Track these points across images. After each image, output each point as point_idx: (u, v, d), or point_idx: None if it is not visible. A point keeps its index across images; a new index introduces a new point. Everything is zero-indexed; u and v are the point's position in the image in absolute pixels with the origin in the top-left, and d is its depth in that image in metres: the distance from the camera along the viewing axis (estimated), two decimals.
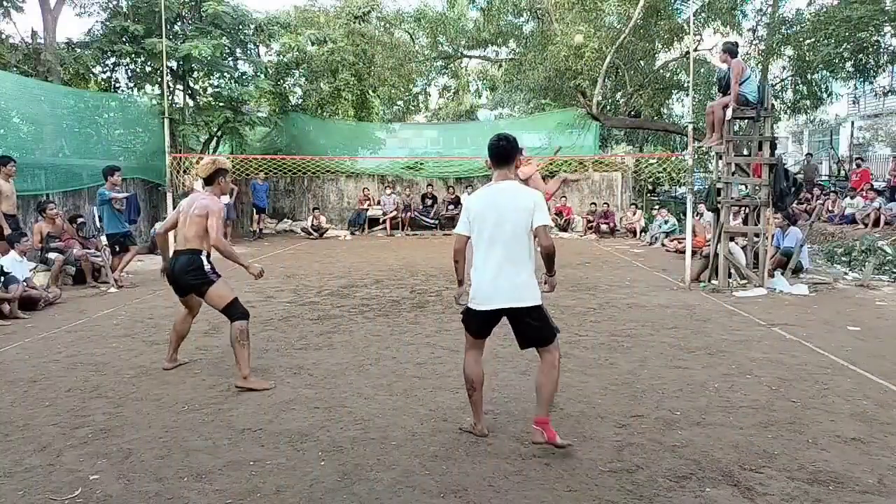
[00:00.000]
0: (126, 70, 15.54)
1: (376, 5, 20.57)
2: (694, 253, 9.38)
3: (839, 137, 26.73)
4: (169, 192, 11.10)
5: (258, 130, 18.00)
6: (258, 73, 16.69)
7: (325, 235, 16.83)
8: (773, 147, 8.81)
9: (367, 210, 17.87)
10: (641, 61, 19.74)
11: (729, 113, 8.38)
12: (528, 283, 3.47)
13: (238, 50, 16.58)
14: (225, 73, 15.86)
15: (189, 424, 3.95)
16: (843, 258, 10.64)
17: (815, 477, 3.19)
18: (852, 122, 24.23)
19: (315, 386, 4.67)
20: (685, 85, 19.47)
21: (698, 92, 17.61)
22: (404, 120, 26.36)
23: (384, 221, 17.68)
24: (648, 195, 20.28)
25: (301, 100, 18.97)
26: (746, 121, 8.96)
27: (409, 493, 3.08)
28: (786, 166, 9.30)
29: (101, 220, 9.25)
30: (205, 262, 4.70)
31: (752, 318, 6.80)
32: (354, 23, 19.48)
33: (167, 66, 12.50)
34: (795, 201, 11.36)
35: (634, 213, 16.62)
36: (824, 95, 19.46)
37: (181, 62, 14.46)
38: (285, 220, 18.68)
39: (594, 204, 17.52)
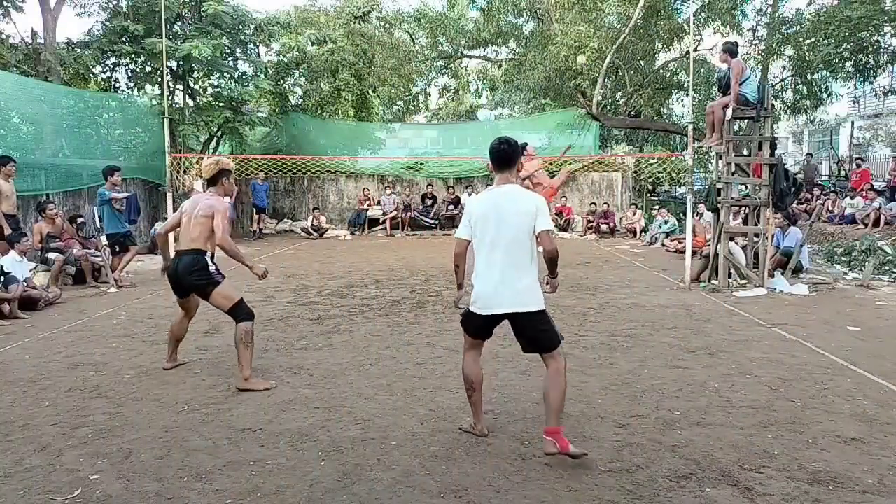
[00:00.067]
0: (126, 70, 15.54)
1: (376, 5, 20.57)
2: (694, 253, 9.38)
3: (839, 137, 26.74)
4: (169, 192, 11.10)
5: (258, 130, 18.00)
6: (258, 73, 16.70)
7: (325, 235, 16.83)
8: (773, 147, 8.81)
9: (367, 210, 17.87)
10: (641, 61, 19.74)
11: (729, 113, 8.38)
12: (530, 287, 3.43)
13: (238, 50, 16.59)
14: (225, 73, 15.86)
15: (189, 424, 3.95)
16: (843, 258, 10.64)
17: (815, 477, 3.19)
18: (852, 122, 24.23)
19: (315, 386, 4.67)
20: (685, 85, 19.48)
21: (698, 92, 17.62)
22: (404, 120, 26.36)
23: (384, 221, 17.68)
24: (648, 195, 20.28)
25: (301, 100, 18.97)
26: (746, 121, 8.95)
27: (409, 493, 3.08)
28: (786, 166, 9.30)
29: (101, 220, 9.25)
30: (209, 262, 4.65)
31: (752, 318, 6.80)
32: (354, 23, 19.49)
33: (167, 66, 12.50)
34: (795, 201, 11.37)
35: (634, 213, 16.62)
36: (824, 95, 19.47)
37: (181, 62, 14.46)
38: (285, 220, 18.68)
39: (594, 204, 17.53)
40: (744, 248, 9.16)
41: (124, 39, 14.25)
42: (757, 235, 8.71)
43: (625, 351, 5.54)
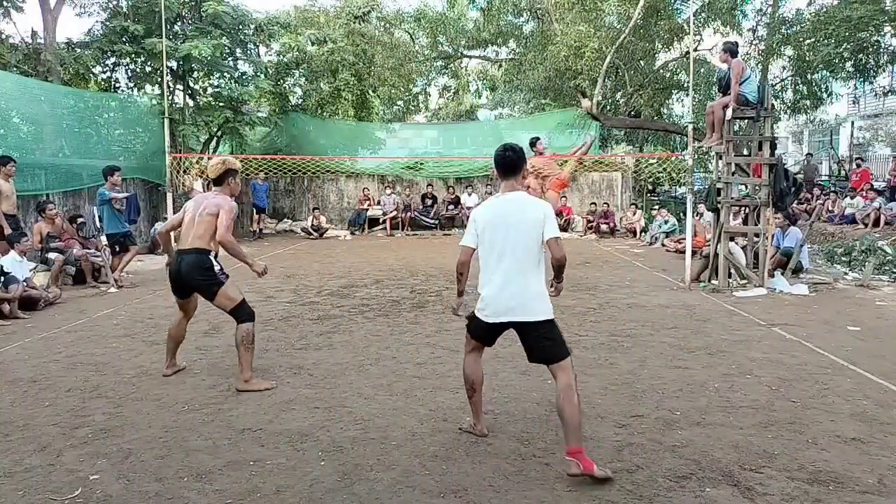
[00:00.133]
0: (126, 70, 15.54)
1: (376, 5, 20.57)
2: (694, 253, 9.38)
3: (839, 137, 26.74)
4: (169, 192, 11.10)
5: (258, 130, 18.00)
6: (258, 73, 16.70)
7: (325, 235, 16.84)
8: (773, 147, 8.81)
9: (367, 210, 17.87)
10: (641, 61, 19.75)
11: (729, 113, 8.38)
12: (538, 295, 3.38)
13: (238, 50, 16.59)
14: (225, 73, 15.86)
15: (189, 424, 3.95)
16: (843, 258, 10.64)
17: (815, 477, 3.19)
18: (852, 122, 24.24)
19: (315, 386, 4.67)
20: (685, 85, 19.48)
21: (698, 92, 17.62)
22: (404, 120, 26.37)
23: (384, 221, 17.68)
24: (648, 195, 20.28)
25: (301, 100, 18.97)
26: (746, 121, 8.95)
27: (409, 493, 3.08)
28: (786, 166, 9.30)
29: (101, 220, 9.25)
30: (214, 262, 4.59)
31: (752, 318, 6.80)
32: (354, 23, 19.49)
33: (167, 66, 12.50)
34: (795, 201, 11.36)
35: (634, 213, 16.63)
36: (824, 95, 19.48)
37: (181, 62, 14.46)
38: (285, 220, 18.68)
39: (594, 204, 17.53)
40: (744, 248, 9.16)
41: (124, 39, 14.25)
42: (757, 235, 8.71)
43: (625, 351, 5.54)
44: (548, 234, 3.39)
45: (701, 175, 17.22)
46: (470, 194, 18.14)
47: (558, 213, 17.09)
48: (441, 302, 7.78)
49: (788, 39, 17.39)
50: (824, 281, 8.95)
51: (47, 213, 9.44)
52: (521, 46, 21.51)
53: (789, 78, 19.71)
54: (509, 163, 3.53)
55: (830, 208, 14.35)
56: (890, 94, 19.33)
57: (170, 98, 13.49)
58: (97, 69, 15.04)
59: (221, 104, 15.20)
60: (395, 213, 17.62)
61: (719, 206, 8.70)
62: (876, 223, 12.44)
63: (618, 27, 18.30)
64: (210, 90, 16.20)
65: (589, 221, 17.01)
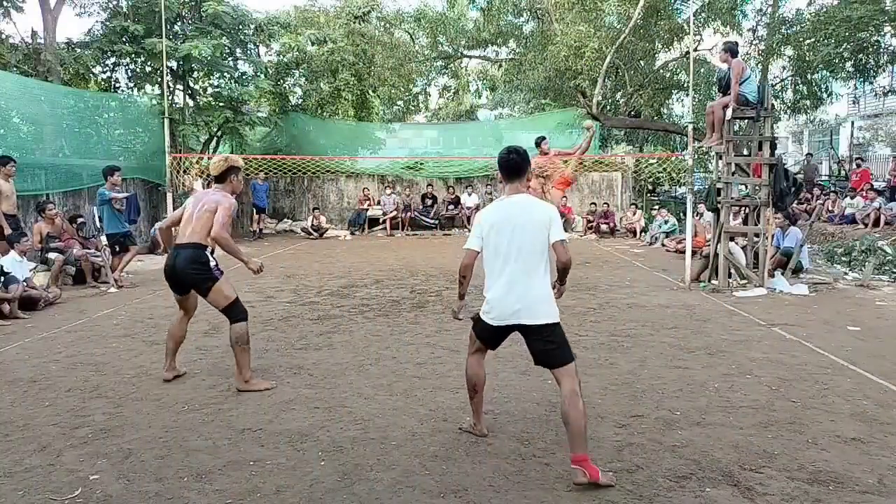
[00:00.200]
0: (126, 70, 15.55)
1: (376, 5, 20.58)
2: (694, 253, 9.38)
3: (839, 137, 26.74)
4: (169, 192, 11.11)
5: (258, 130, 18.01)
6: (258, 73, 16.70)
7: (325, 235, 16.84)
8: (773, 147, 8.80)
9: (367, 210, 17.87)
10: (641, 61, 19.75)
11: (729, 113, 8.38)
12: (544, 298, 3.35)
13: (238, 50, 16.59)
14: (225, 73, 15.86)
15: (189, 424, 3.95)
16: (843, 258, 10.64)
17: (815, 477, 3.19)
18: (852, 122, 24.24)
19: (315, 386, 4.67)
20: (685, 85, 19.49)
21: (698, 92, 17.62)
22: (404, 120, 26.37)
23: (384, 221, 17.68)
24: (648, 195, 20.28)
25: (301, 100, 18.97)
26: (746, 121, 8.95)
27: (409, 493, 3.08)
28: (786, 166, 9.30)
29: (101, 220, 9.25)
30: (210, 257, 4.53)
31: (752, 318, 6.80)
32: (354, 23, 19.49)
33: (167, 66, 12.50)
34: (795, 201, 11.36)
35: (634, 213, 16.62)
36: (824, 95, 19.48)
37: (181, 62, 14.46)
38: (285, 220, 18.68)
39: (594, 204, 17.52)
40: (744, 248, 9.15)
41: (124, 39, 14.25)
42: (757, 235, 8.71)
43: (625, 351, 5.54)
44: (554, 237, 3.36)
45: (701, 175, 17.22)
46: (470, 194, 18.14)
47: (560, 214, 17.13)
48: (441, 302, 7.78)
49: (788, 39, 17.39)
50: (824, 281, 8.95)
51: (47, 214, 9.44)
52: (521, 46, 21.51)
53: (789, 78, 19.71)
54: (513, 165, 3.49)
55: (830, 208, 14.35)
56: (890, 94, 19.33)
57: (170, 98, 13.49)
58: (97, 69, 15.04)
59: (221, 104, 15.20)
60: (395, 213, 17.62)
61: (719, 206, 8.69)
62: (876, 223, 12.44)
63: (618, 27, 18.30)
64: (210, 90, 16.20)
65: (589, 221, 17.01)
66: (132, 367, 5.17)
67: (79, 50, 14.34)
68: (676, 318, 6.84)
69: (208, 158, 11.41)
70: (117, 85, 15.63)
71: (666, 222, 14.73)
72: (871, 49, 15.75)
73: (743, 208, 9.39)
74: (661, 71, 20.51)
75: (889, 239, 10.84)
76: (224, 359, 5.33)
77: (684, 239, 9.79)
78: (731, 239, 8.81)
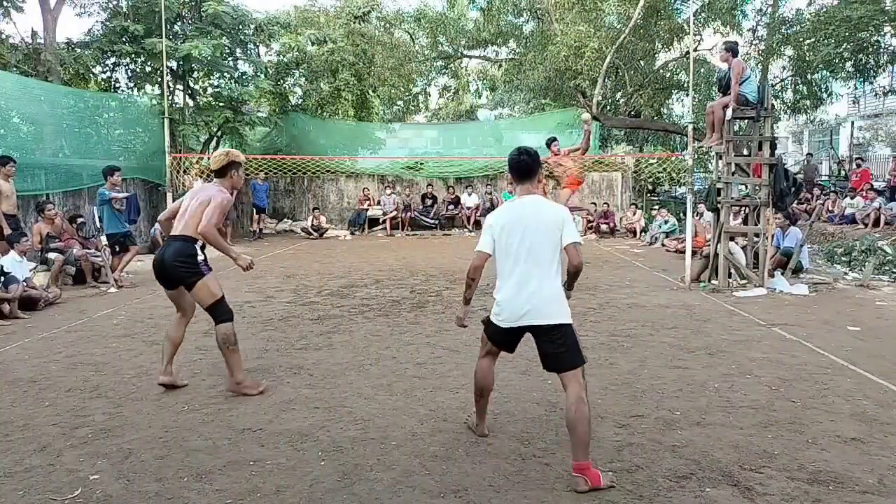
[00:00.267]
0: (126, 70, 15.55)
1: (376, 5, 20.57)
2: (694, 253, 9.38)
3: (839, 137, 26.74)
4: (169, 192, 11.09)
5: (258, 130, 18.00)
6: (258, 73, 16.70)
7: (325, 235, 16.84)
8: (773, 147, 8.80)
9: (367, 210, 17.87)
10: (641, 61, 19.75)
11: (729, 113, 8.38)
12: (555, 298, 3.30)
13: (238, 50, 16.60)
14: (225, 73, 15.87)
15: (189, 424, 3.95)
16: (843, 258, 10.64)
17: (815, 477, 3.19)
18: (852, 122, 24.24)
19: (315, 386, 4.67)
20: (685, 85, 19.48)
21: (698, 92, 17.62)
22: (404, 120, 26.36)
23: (384, 221, 17.68)
24: (648, 195, 20.29)
25: (301, 100, 18.97)
26: (746, 121, 8.95)
27: (409, 493, 3.08)
28: (786, 166, 9.30)
29: (101, 220, 9.25)
30: (198, 251, 4.39)
31: (752, 318, 6.80)
32: (354, 23, 19.49)
33: (167, 66, 12.50)
34: (795, 201, 11.36)
35: (634, 213, 16.63)
36: (824, 95, 19.49)
37: (181, 62, 14.47)
38: (285, 220, 18.68)
39: (594, 204, 17.52)
40: (744, 248, 9.15)
41: (124, 39, 14.26)
42: (757, 235, 8.71)
43: (625, 351, 5.54)
44: (567, 240, 3.32)
45: (701, 175, 17.22)
46: (470, 194, 18.14)
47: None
48: (441, 302, 7.78)
49: (788, 39, 17.39)
50: (824, 281, 8.95)
51: (46, 214, 9.44)
52: (521, 46, 21.50)
53: (789, 78, 19.71)
54: (524, 167, 3.46)
55: (830, 208, 14.35)
56: (890, 94, 19.33)
57: (170, 98, 13.50)
58: (97, 69, 15.05)
59: (221, 104, 15.20)
60: (395, 213, 17.62)
61: (719, 206, 8.69)
62: (876, 223, 12.44)
63: (618, 27, 18.30)
64: (210, 90, 16.20)
65: (589, 221, 17.00)
66: (132, 367, 5.17)
67: (79, 50, 14.34)
68: (676, 318, 6.84)
69: (208, 158, 11.41)
70: (117, 85, 15.63)
71: (666, 222, 14.73)
72: (871, 49, 15.76)
73: (743, 208, 9.38)
74: (661, 71, 20.51)
75: (889, 239, 10.84)
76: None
77: (684, 239, 9.79)
78: (731, 239, 8.81)
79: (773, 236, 9.05)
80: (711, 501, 2.97)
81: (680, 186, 20.50)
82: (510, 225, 3.37)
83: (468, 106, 31.22)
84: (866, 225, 12.59)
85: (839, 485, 3.11)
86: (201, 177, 13.92)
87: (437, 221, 17.83)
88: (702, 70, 18.12)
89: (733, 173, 8.68)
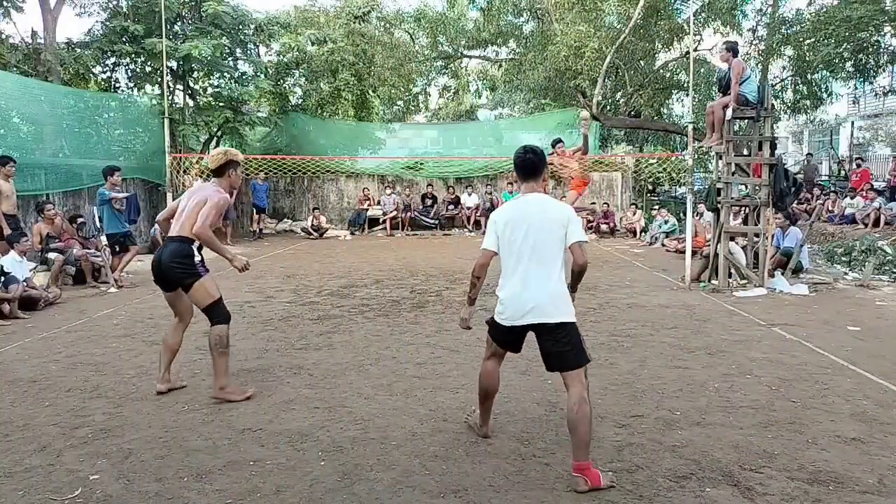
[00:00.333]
0: (126, 70, 15.55)
1: (376, 5, 20.57)
2: (694, 253, 9.38)
3: (839, 137, 26.74)
4: (169, 192, 11.10)
5: (258, 130, 18.00)
6: (258, 73, 16.70)
7: (325, 235, 16.84)
8: (773, 147, 8.80)
9: (367, 210, 17.87)
10: (641, 61, 19.75)
11: (729, 113, 8.38)
12: (559, 296, 3.28)
13: (238, 50, 16.60)
14: (225, 73, 15.87)
15: (189, 424, 3.95)
16: (843, 258, 10.64)
17: (815, 477, 3.19)
18: (852, 122, 24.23)
19: (315, 386, 4.67)
20: (685, 85, 19.49)
21: (698, 92, 17.62)
22: (404, 120, 26.36)
23: (384, 221, 17.68)
24: (648, 195, 20.29)
25: (301, 100, 18.97)
26: (746, 121, 8.95)
27: (409, 493, 3.08)
28: (786, 166, 9.30)
29: (101, 220, 9.25)
30: (195, 252, 4.33)
31: (752, 318, 6.80)
32: (354, 23, 19.49)
33: (167, 66, 12.50)
34: (795, 201, 11.36)
35: (634, 213, 16.63)
36: (824, 95, 19.50)
37: (181, 62, 14.47)
38: (285, 220, 18.68)
39: (594, 204, 17.51)
40: (744, 248, 9.16)
41: (124, 39, 14.26)
42: (757, 235, 8.71)
43: (625, 351, 5.54)
44: (572, 238, 3.29)
45: (701, 175, 17.23)
46: (470, 194, 18.13)
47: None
48: (441, 302, 7.78)
49: (788, 39, 17.39)
50: (824, 281, 8.95)
51: (46, 214, 9.44)
52: (521, 46, 21.51)
53: (789, 78, 19.72)
54: (529, 165, 3.44)
55: (830, 208, 14.35)
56: (890, 94, 19.34)
57: (170, 98, 13.50)
58: (97, 69, 15.05)
59: (221, 104, 15.20)
60: (395, 213, 17.62)
61: (719, 206, 8.69)
62: (876, 223, 12.44)
63: (618, 27, 18.30)
64: (210, 90, 16.21)
65: (589, 221, 16.99)
66: (132, 367, 5.17)
67: (79, 50, 14.34)
68: (676, 318, 6.84)
69: (207, 158, 11.43)
70: (117, 85, 15.63)
71: (666, 222, 14.73)
72: (871, 49, 15.76)
73: (743, 208, 9.39)
74: (661, 71, 20.51)
75: (889, 239, 10.84)
76: None
77: (684, 239, 9.79)
78: (732, 239, 8.81)
79: (773, 236, 9.05)
80: (711, 501, 2.97)
81: (680, 186, 20.50)
82: (514, 222, 3.35)
83: (468, 106, 31.21)
84: (866, 225, 12.59)
85: (839, 485, 3.11)
86: (201, 177, 13.91)
87: (437, 221, 17.83)
88: (702, 70, 18.12)
89: (733, 173, 8.68)
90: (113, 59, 15.05)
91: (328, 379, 4.83)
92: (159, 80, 14.13)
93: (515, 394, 4.44)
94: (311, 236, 16.73)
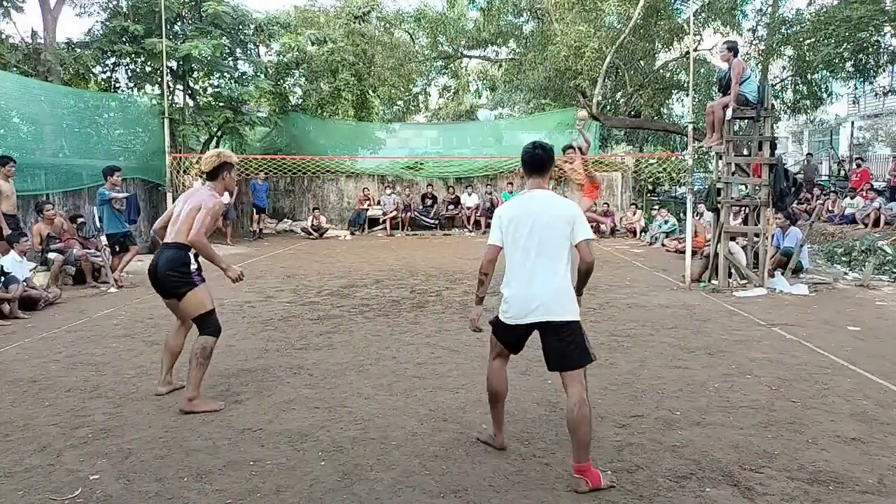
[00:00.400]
0: (126, 70, 15.55)
1: (376, 5, 20.58)
2: (694, 253, 9.38)
3: (839, 137, 26.74)
4: (169, 192, 11.10)
5: (258, 130, 18.01)
6: (258, 73, 16.70)
7: (325, 235, 16.83)
8: (773, 147, 8.80)
9: (367, 210, 17.87)
10: (641, 61, 19.76)
11: (729, 113, 8.38)
12: (564, 294, 3.22)
13: (238, 50, 16.60)
14: (225, 73, 15.87)
15: (189, 424, 3.95)
16: (843, 258, 10.64)
17: (815, 477, 3.19)
18: (852, 122, 24.23)
19: (315, 386, 4.67)
20: (685, 85, 19.49)
21: (698, 92, 17.63)
22: (404, 120, 26.37)
23: (384, 221, 17.68)
24: (648, 195, 20.28)
25: (301, 100, 18.97)
26: (746, 121, 8.95)
27: (409, 493, 3.08)
28: (786, 166, 9.30)
29: (101, 220, 9.25)
30: (191, 260, 4.23)
31: (752, 318, 6.80)
32: (354, 23, 19.49)
33: (167, 66, 12.51)
34: (795, 201, 11.36)
35: (634, 213, 16.63)
36: (824, 95, 19.50)
37: (181, 62, 14.47)
38: (285, 220, 18.68)
39: (594, 203, 17.51)
40: (744, 248, 9.16)
41: (124, 39, 14.26)
42: (757, 235, 8.71)
43: (625, 351, 5.54)
44: (578, 236, 3.25)
45: (701, 175, 17.23)
46: (470, 194, 18.13)
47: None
48: (441, 302, 7.78)
49: (788, 39, 17.40)
50: (824, 281, 8.95)
51: (45, 214, 9.43)
52: (521, 46, 21.51)
53: (789, 78, 19.72)
54: (538, 161, 3.40)
55: (830, 208, 14.35)
56: (890, 94, 19.34)
57: (170, 98, 13.50)
58: (97, 69, 15.05)
59: (221, 104, 15.20)
60: (395, 213, 17.62)
61: (719, 206, 8.70)
62: (876, 223, 12.44)
63: (618, 27, 18.30)
64: (210, 90, 16.21)
65: (589, 221, 17.00)
66: (132, 367, 5.17)
67: (79, 50, 14.34)
68: (676, 318, 6.84)
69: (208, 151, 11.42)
70: (117, 85, 15.63)
71: (666, 222, 14.73)
72: (871, 49, 15.76)
73: (743, 208, 9.39)
74: (661, 71, 20.51)
75: (889, 239, 10.84)
76: (224, 359, 5.33)
77: (684, 239, 9.79)
78: (732, 239, 8.81)
79: (773, 236, 9.05)
80: (711, 501, 2.97)
81: (680, 186, 20.50)
82: (518, 218, 3.31)
83: (468, 106, 31.22)
84: (866, 225, 12.59)
85: (839, 485, 3.11)
86: (201, 177, 13.90)
87: (437, 221, 17.83)
88: (702, 70, 18.12)
89: (733, 173, 8.68)
90: (113, 59, 15.05)
91: (328, 379, 4.83)
92: (159, 80, 14.13)
93: (515, 394, 4.42)
94: (311, 236, 16.73)
